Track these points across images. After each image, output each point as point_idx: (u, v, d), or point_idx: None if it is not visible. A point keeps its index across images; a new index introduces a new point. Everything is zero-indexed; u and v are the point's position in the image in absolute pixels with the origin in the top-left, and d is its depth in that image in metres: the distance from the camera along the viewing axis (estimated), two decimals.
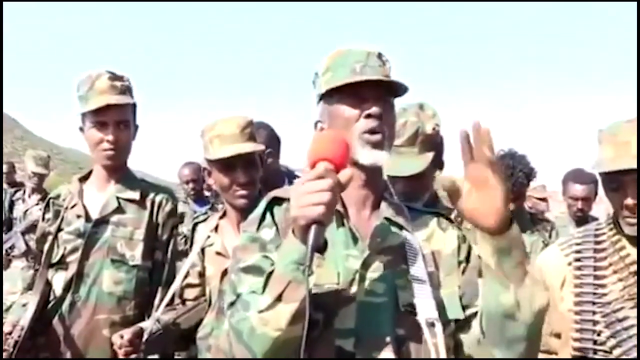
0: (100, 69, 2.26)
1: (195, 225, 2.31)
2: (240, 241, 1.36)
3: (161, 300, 2.14)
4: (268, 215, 1.35)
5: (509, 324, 1.20)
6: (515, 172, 3.05)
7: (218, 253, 2.13)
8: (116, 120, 2.21)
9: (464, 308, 1.31)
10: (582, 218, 3.79)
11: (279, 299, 1.13)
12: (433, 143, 2.10)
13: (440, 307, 1.27)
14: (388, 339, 1.23)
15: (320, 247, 1.14)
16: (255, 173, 2.14)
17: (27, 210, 5.78)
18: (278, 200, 1.37)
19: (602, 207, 3.98)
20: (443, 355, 1.21)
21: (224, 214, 2.23)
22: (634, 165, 1.58)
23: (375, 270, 1.29)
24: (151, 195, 2.34)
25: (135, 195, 2.30)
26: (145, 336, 2.00)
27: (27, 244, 5.54)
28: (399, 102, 1.43)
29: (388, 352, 1.22)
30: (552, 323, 1.78)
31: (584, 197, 3.93)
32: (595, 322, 1.68)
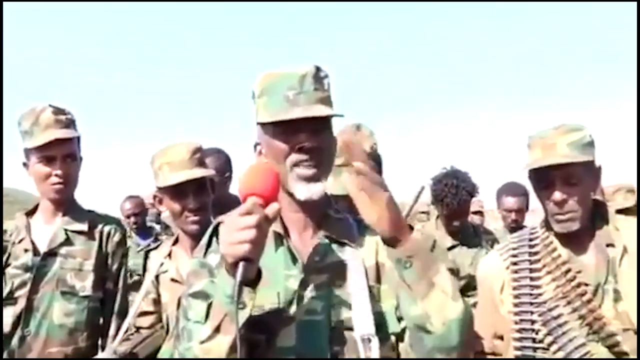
0: (43, 103, 2.25)
1: (147, 253, 2.32)
2: (191, 267, 1.39)
3: (117, 330, 2.13)
4: (214, 240, 1.39)
5: (422, 335, 1.22)
6: (459, 190, 3.19)
7: (173, 280, 2.14)
8: (63, 154, 2.21)
9: (400, 319, 1.31)
10: (516, 229, 3.95)
11: (217, 330, 1.18)
12: (371, 161, 2.19)
13: (381, 321, 1.29)
14: (325, 356, 1.26)
15: (251, 281, 1.16)
16: (206, 198, 2.17)
17: None
18: None
19: (532, 218, 4.19)
20: None
21: (177, 241, 2.25)
22: (561, 161, 1.72)
23: (313, 289, 1.31)
24: (99, 226, 2.34)
25: (83, 226, 2.29)
26: None
27: None
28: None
29: None
30: (494, 326, 1.89)
31: (517, 209, 4.12)
32: (533, 322, 1.78)
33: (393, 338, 1.30)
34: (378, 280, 1.35)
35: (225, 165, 2.79)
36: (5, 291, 2.18)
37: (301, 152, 1.29)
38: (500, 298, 1.87)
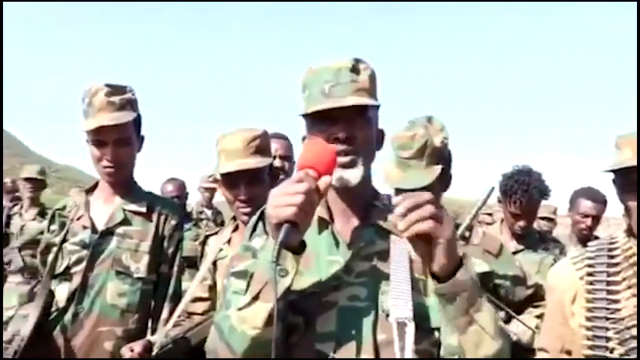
0: (99, 83, 2.19)
1: (206, 238, 2.31)
2: (237, 250, 1.40)
3: (170, 314, 2.12)
4: (260, 224, 1.41)
5: None
6: (530, 189, 3.00)
7: None
8: (115, 139, 2.17)
9: None
10: (587, 237, 3.73)
11: (256, 297, 1.17)
12: (441, 156, 2.09)
13: (425, 314, 1.27)
14: (368, 343, 1.24)
15: (294, 247, 1.16)
16: (258, 189, 2.10)
17: (23, 226, 5.72)
18: None
19: (600, 229, 3.97)
20: (409, 356, 1.19)
21: (237, 228, 2.23)
22: None
23: (358, 275, 1.30)
24: (158, 208, 2.32)
25: (142, 207, 2.29)
26: (154, 350, 1.96)
27: (23, 260, 5.50)
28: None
29: (367, 356, 1.23)
30: (562, 339, 1.76)
31: (595, 215, 3.87)
32: (608, 339, 1.65)
33: (437, 334, 1.27)
34: (425, 273, 1.31)
35: (289, 151, 2.72)
36: (62, 267, 2.20)
37: (337, 142, 1.30)
38: (571, 310, 1.74)
